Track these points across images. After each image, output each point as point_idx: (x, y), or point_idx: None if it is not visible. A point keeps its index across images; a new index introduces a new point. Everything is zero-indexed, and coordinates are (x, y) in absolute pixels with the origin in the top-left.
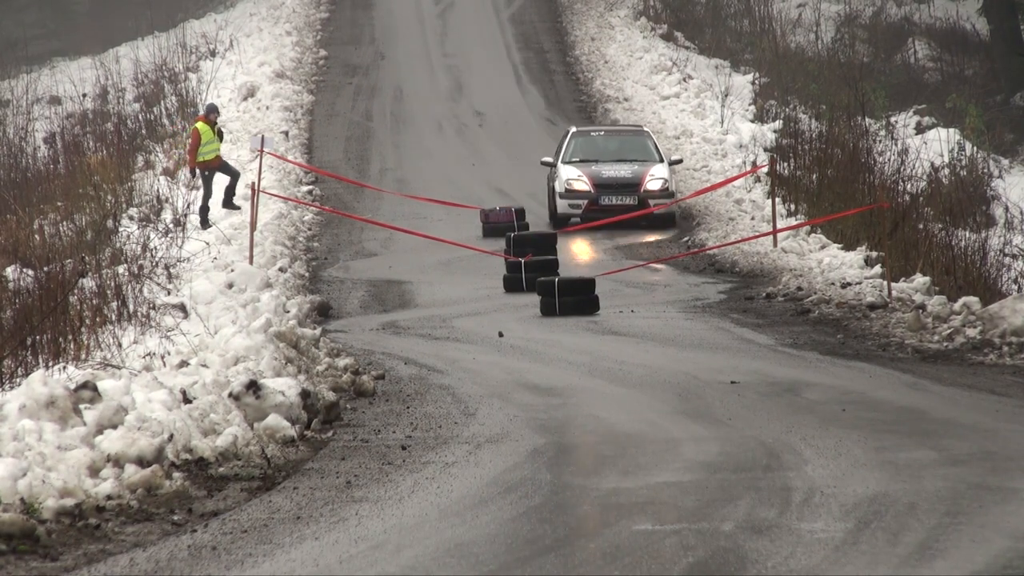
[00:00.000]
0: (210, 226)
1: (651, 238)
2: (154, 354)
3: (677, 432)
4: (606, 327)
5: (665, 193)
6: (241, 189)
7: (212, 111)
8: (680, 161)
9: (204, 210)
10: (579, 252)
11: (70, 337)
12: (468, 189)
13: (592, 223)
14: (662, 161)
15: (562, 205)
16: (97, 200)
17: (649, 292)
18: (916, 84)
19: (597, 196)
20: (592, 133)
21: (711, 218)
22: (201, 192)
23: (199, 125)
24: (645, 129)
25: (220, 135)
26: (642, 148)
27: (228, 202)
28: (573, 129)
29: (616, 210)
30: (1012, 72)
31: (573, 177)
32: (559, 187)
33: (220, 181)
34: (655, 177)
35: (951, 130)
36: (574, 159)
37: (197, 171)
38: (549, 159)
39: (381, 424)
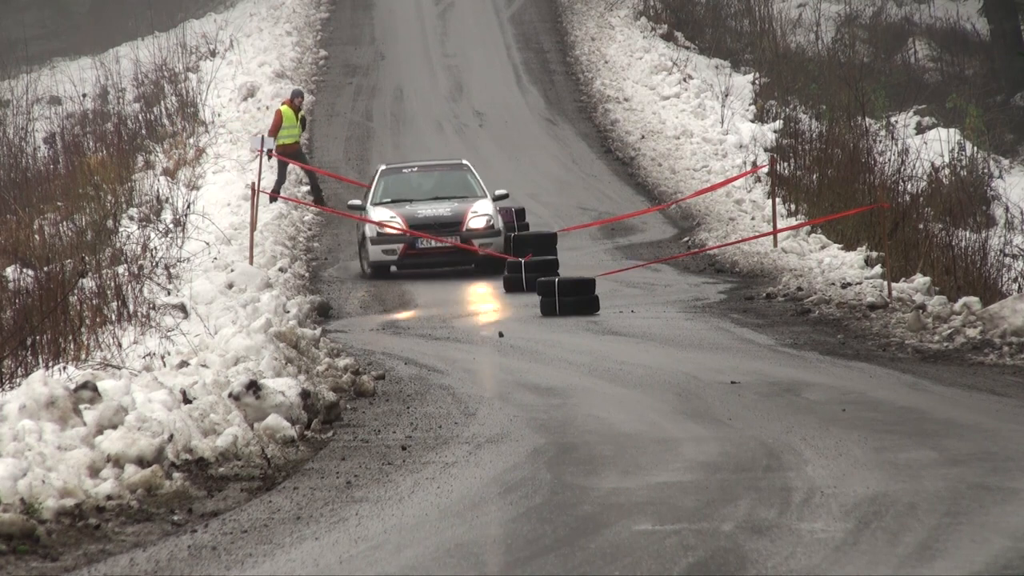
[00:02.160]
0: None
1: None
2: (154, 354)
3: (677, 432)
4: (606, 327)
5: (491, 232)
6: (240, 189)
7: (297, 95)
8: (506, 195)
9: (276, 190)
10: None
11: (70, 337)
12: None
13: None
14: (485, 196)
15: (375, 252)
16: (97, 200)
17: (649, 292)
18: (916, 84)
19: (413, 239)
20: (404, 170)
21: (711, 218)
22: (276, 178)
23: (283, 108)
24: (465, 163)
25: (303, 122)
26: (462, 184)
27: (318, 199)
28: (382, 167)
29: (436, 254)
30: (1012, 72)
31: (385, 219)
32: (369, 232)
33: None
34: (478, 214)
35: (951, 130)
36: (385, 200)
37: (273, 154)
38: (357, 201)
39: (381, 424)
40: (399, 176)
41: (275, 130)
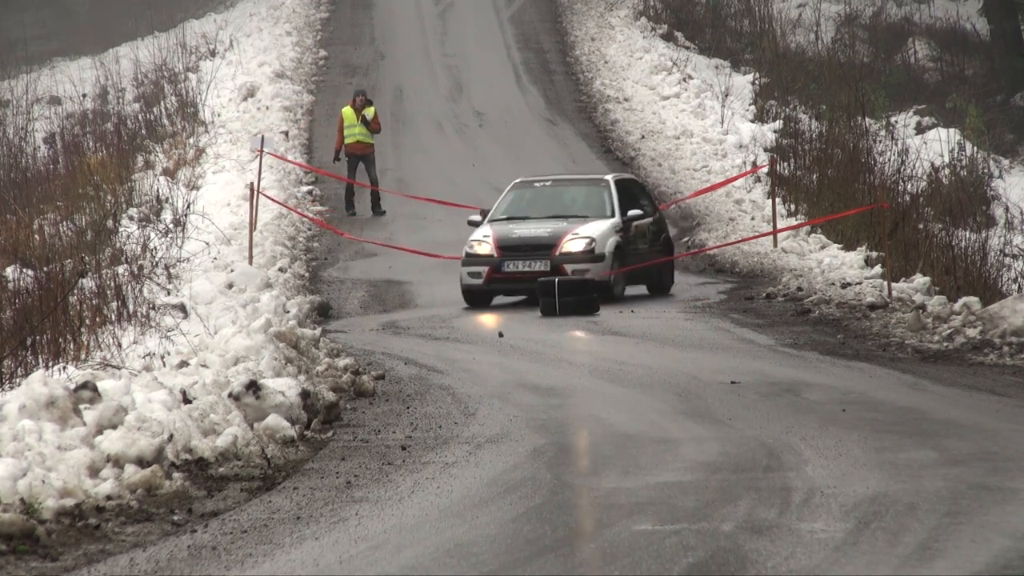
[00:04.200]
0: (353, 212)
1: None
2: (154, 354)
3: (677, 432)
4: (606, 327)
5: (590, 257)
6: (240, 189)
7: (358, 95)
8: (642, 215)
9: (348, 195)
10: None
11: (70, 337)
12: (468, 189)
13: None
14: (612, 217)
15: (463, 274)
16: (97, 200)
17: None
18: (916, 84)
19: (500, 262)
20: (536, 184)
21: (711, 218)
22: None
23: (344, 109)
24: (607, 179)
25: (365, 121)
26: (595, 202)
27: (375, 206)
28: (516, 180)
29: (525, 279)
30: (1012, 72)
31: (477, 239)
32: (466, 251)
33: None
34: (578, 236)
35: (951, 130)
36: (501, 217)
37: (340, 155)
38: (477, 217)
39: (381, 424)
40: (529, 191)
41: (339, 131)
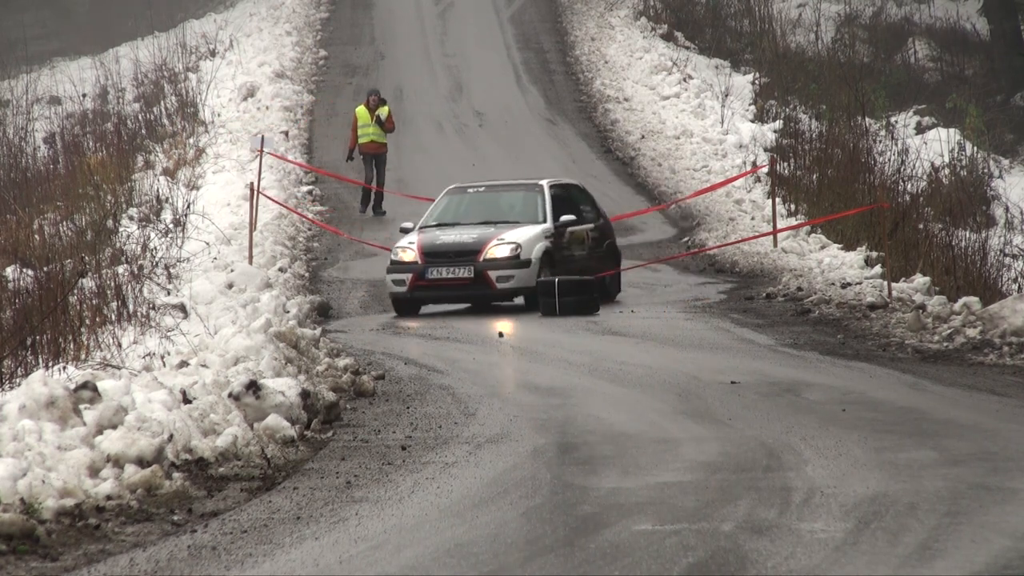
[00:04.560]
0: (364, 211)
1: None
2: (154, 354)
3: (677, 432)
4: (606, 327)
5: (515, 263)
6: (240, 189)
7: (371, 94)
8: (576, 221)
9: (364, 194)
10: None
11: (70, 337)
12: None
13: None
14: (543, 223)
15: (388, 282)
16: (97, 200)
17: (649, 292)
18: (916, 84)
19: (424, 268)
20: (470, 190)
21: (711, 218)
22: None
23: (358, 109)
24: (541, 183)
25: (379, 120)
26: (527, 207)
27: (376, 206)
28: (451, 186)
29: (448, 286)
30: (1012, 72)
31: (402, 246)
32: (389, 259)
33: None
34: (504, 242)
35: (951, 130)
36: (431, 224)
37: (354, 153)
38: (408, 224)
39: (381, 424)
40: (462, 197)
41: (353, 131)
